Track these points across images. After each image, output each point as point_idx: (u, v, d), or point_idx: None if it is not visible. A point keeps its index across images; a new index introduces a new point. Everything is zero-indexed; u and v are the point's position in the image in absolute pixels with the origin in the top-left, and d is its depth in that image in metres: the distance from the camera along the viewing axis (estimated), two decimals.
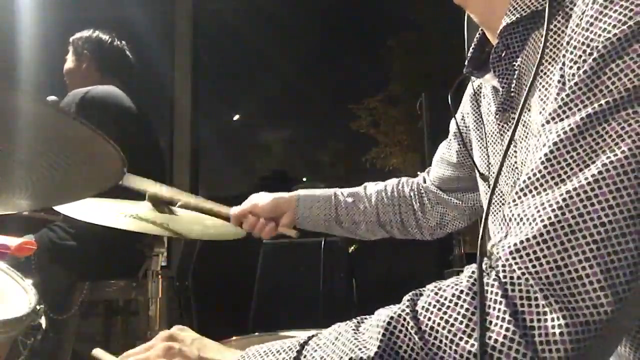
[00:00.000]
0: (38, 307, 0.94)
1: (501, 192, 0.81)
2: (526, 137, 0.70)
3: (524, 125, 0.70)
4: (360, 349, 0.49)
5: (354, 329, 0.52)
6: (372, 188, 1.20)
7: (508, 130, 0.76)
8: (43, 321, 0.95)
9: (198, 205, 1.24)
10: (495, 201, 0.84)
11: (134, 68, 2.30)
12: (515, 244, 0.47)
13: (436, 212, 1.16)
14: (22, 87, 0.48)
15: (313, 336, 0.54)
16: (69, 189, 0.73)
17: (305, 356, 0.52)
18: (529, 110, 0.67)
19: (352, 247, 2.58)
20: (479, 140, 0.92)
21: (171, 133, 3.62)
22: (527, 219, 0.48)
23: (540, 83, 0.63)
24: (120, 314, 2.33)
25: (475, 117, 0.95)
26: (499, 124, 0.78)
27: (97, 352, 0.72)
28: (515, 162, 0.74)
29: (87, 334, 2.06)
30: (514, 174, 0.75)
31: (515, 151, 0.74)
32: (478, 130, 0.93)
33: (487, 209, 0.50)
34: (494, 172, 0.87)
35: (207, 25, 4.21)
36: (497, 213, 0.83)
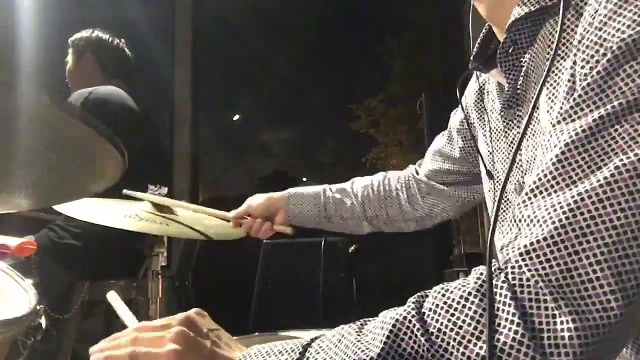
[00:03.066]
0: (38, 307, 0.94)
1: (505, 190, 0.81)
2: (533, 135, 0.69)
3: (530, 123, 0.69)
4: (363, 351, 0.48)
5: (357, 331, 0.52)
6: (359, 183, 1.22)
7: (513, 128, 0.76)
8: (43, 321, 0.95)
9: (199, 210, 1.27)
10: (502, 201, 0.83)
11: (134, 66, 2.30)
12: (525, 246, 0.47)
13: (426, 203, 1.17)
14: (22, 87, 0.48)
15: (316, 338, 0.54)
16: (69, 188, 0.73)
17: (307, 358, 0.51)
18: (537, 108, 0.67)
19: (352, 247, 2.58)
20: (483, 137, 0.92)
21: (171, 133, 3.61)
22: (538, 221, 0.47)
23: (548, 81, 0.62)
24: None
25: (479, 113, 0.94)
26: (503, 121, 0.77)
27: (112, 294, 0.71)
28: (520, 160, 0.74)
29: (87, 334, 2.06)
30: (518, 172, 0.75)
31: (520, 149, 0.73)
32: (482, 127, 0.92)
33: (497, 209, 0.50)
34: (496, 170, 0.87)
35: (207, 25, 4.21)
36: (502, 213, 0.82)
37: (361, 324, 0.53)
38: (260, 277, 2.58)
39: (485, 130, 0.90)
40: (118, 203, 1.26)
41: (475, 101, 0.97)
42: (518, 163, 0.74)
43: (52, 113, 0.52)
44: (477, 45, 0.81)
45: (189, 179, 3.56)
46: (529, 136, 0.70)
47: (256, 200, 1.21)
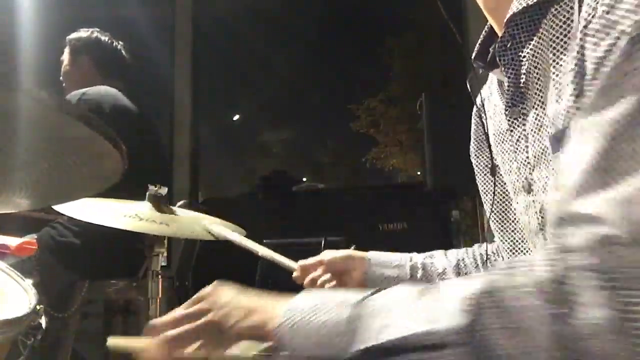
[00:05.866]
0: (38, 307, 0.94)
1: (506, 190, 0.81)
2: (539, 130, 0.69)
3: (536, 119, 0.69)
4: (445, 317, 0.45)
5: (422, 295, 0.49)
6: (452, 253, 1.20)
7: (518, 126, 0.74)
8: (43, 321, 0.95)
9: (265, 254, 1.27)
10: (498, 200, 0.83)
11: (131, 67, 2.28)
12: (602, 236, 0.42)
13: None
14: (22, 87, 0.48)
15: (368, 297, 0.52)
16: (69, 188, 0.73)
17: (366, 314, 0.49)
18: (543, 104, 0.67)
19: (352, 247, 2.58)
20: (479, 142, 0.92)
21: (171, 133, 3.61)
22: (600, 216, 0.43)
23: (551, 77, 0.63)
24: (120, 314, 2.32)
25: (478, 142, 0.95)
26: (508, 120, 0.76)
27: (112, 341, 0.71)
28: (527, 158, 0.73)
29: (87, 333, 2.06)
30: (525, 169, 0.74)
31: (526, 146, 0.73)
32: (481, 154, 0.93)
33: (492, 204, 0.49)
34: (500, 174, 0.86)
35: (207, 25, 4.21)
36: (499, 209, 0.82)
37: (422, 289, 0.50)
38: (260, 277, 2.58)
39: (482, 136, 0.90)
40: (118, 203, 1.26)
41: (475, 124, 0.97)
42: (525, 160, 0.74)
43: (52, 113, 0.52)
44: (478, 44, 0.81)
45: (189, 179, 3.56)
46: (536, 131, 0.69)
47: (333, 253, 1.20)
